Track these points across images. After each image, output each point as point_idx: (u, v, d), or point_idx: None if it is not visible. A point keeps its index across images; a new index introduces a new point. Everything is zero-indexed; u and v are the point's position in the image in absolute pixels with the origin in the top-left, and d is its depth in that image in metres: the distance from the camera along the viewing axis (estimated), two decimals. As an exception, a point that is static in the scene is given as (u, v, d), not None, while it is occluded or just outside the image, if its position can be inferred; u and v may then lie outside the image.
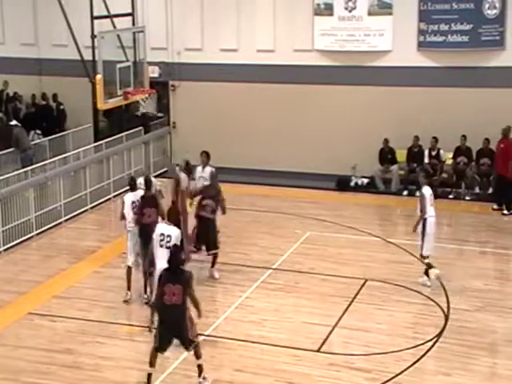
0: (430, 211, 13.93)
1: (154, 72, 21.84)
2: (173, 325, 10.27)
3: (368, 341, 11.93)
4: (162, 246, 11.69)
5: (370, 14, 20.22)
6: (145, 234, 12.76)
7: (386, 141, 20.22)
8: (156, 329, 10.64)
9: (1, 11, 23.37)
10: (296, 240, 16.39)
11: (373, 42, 20.28)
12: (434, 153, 19.83)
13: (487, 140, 19.28)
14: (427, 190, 14.07)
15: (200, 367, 10.58)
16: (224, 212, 14.60)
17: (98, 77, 18.38)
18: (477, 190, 19.54)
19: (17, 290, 14.02)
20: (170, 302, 10.11)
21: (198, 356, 10.54)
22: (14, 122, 19.68)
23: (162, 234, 11.72)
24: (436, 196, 19.06)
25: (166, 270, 10.41)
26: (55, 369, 11.16)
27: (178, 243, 11.47)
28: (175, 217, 12.49)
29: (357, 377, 10.88)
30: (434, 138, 19.67)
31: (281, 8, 21.04)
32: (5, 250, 16.02)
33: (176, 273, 10.25)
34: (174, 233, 11.70)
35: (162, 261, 11.37)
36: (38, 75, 23.51)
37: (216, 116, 21.79)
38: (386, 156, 20.37)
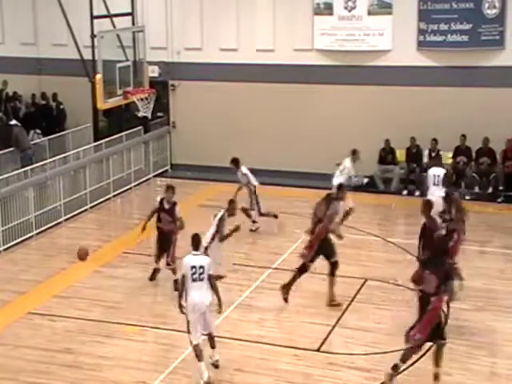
0: (431, 190, 15.38)
1: (153, 72, 21.84)
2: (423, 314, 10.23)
3: (368, 340, 11.94)
4: (195, 279, 10.68)
5: (369, 13, 20.22)
6: None
7: (388, 141, 20.22)
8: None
9: (0, 11, 23.32)
10: (296, 239, 16.35)
11: (372, 42, 20.28)
12: (433, 154, 19.85)
13: (487, 139, 19.30)
14: (432, 171, 15.98)
15: (436, 376, 10.46)
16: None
17: (98, 76, 18.38)
18: (476, 189, 19.54)
19: (17, 290, 14.03)
20: (424, 289, 10.17)
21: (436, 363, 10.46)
22: (13, 122, 19.65)
23: (194, 267, 10.68)
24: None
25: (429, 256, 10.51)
26: (55, 368, 11.18)
27: (212, 272, 10.85)
28: None
29: (356, 376, 10.88)
30: (434, 139, 19.67)
31: (281, 7, 21.03)
32: (5, 249, 16.02)
33: (436, 262, 10.24)
34: (205, 261, 10.81)
35: (195, 293, 10.69)
36: (38, 75, 23.50)
37: (216, 116, 21.78)
38: (387, 156, 20.36)
